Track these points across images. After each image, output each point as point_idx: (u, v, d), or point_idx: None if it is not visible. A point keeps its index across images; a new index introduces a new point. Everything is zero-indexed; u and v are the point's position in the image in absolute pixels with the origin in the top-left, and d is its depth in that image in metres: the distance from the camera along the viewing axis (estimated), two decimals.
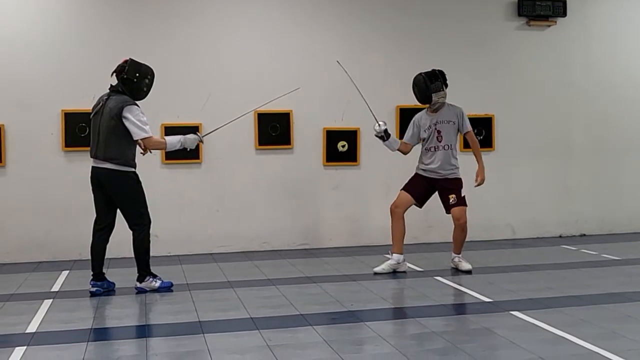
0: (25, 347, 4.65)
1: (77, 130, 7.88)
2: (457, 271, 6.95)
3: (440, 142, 6.86)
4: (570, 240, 8.94)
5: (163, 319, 5.42)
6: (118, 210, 6.24)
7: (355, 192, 8.68)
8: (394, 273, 6.89)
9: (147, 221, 6.22)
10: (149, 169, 8.00)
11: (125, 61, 6.16)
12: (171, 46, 8.16)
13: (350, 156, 8.62)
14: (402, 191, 7.00)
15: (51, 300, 5.99)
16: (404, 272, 6.92)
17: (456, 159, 6.92)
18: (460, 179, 6.92)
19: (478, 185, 7.00)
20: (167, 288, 6.31)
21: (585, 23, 9.29)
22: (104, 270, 6.29)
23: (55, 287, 6.53)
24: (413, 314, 5.34)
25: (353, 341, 4.76)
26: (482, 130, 8.90)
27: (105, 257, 6.28)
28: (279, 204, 8.46)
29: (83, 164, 7.85)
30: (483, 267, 7.13)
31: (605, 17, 9.38)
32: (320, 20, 8.58)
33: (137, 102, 6.14)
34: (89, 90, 7.88)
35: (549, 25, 9.14)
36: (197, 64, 8.24)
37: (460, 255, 7.01)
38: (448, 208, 6.89)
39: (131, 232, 6.21)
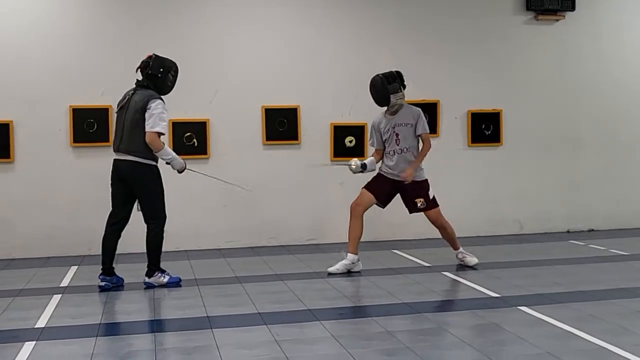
0: (34, 342, 4.67)
1: (85, 126, 7.90)
2: (463, 267, 6.94)
3: (398, 145, 6.68)
4: (578, 236, 8.92)
5: (171, 314, 5.44)
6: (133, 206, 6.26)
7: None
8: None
9: (163, 216, 6.25)
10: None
11: (150, 57, 6.21)
12: (178, 42, 8.16)
13: (358, 151, 8.61)
14: (364, 189, 6.82)
15: (60, 295, 6.03)
16: (358, 272, 6.79)
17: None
18: (425, 180, 6.73)
19: (402, 179, 6.63)
20: (175, 283, 6.33)
21: (594, 17, 9.24)
22: (114, 265, 6.32)
23: (64, 282, 6.56)
24: (420, 309, 5.34)
25: (361, 336, 4.76)
26: (490, 126, 8.88)
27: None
28: (286, 199, 8.47)
29: (91, 160, 7.94)
30: (490, 262, 7.12)
31: (614, 11, 9.32)
32: (327, 14, 8.56)
33: (162, 97, 6.18)
34: (96, 87, 7.94)
35: (558, 20, 9.10)
36: (204, 59, 8.25)
37: (461, 250, 6.97)
38: (413, 210, 6.77)
39: (146, 226, 6.23)
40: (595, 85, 9.28)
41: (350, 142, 8.57)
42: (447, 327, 4.87)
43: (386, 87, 6.63)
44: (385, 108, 6.81)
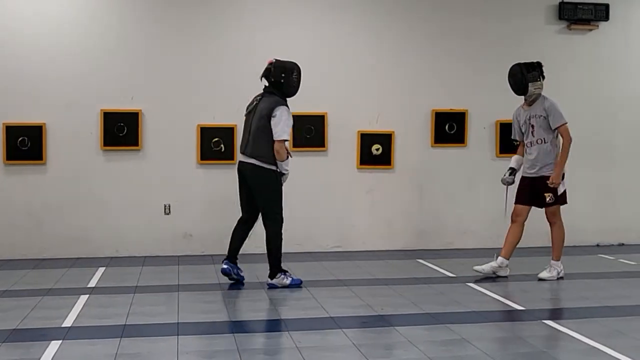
0: (60, 341, 4.75)
1: (116, 129, 8.00)
2: (490, 278, 6.85)
3: (534, 136, 6.72)
4: (608, 250, 8.78)
5: (194, 317, 5.48)
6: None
7: (389, 196, 8.65)
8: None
9: (280, 220, 6.39)
10: (184, 168, 8.12)
11: (271, 63, 6.41)
12: (207, 47, 8.24)
13: (385, 159, 8.59)
14: (515, 204, 6.91)
15: (87, 295, 6.11)
16: (505, 277, 6.85)
17: (554, 154, 6.68)
18: None
19: (549, 184, 6.64)
20: (297, 285, 6.42)
21: (629, 27, 9.11)
22: (238, 258, 6.51)
23: (92, 283, 6.65)
24: (444, 320, 5.30)
25: (382, 345, 4.75)
26: None
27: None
28: (312, 206, 8.47)
29: (121, 163, 8.06)
30: (517, 275, 7.02)
31: None
32: (356, 22, 8.56)
33: (288, 101, 6.39)
34: (127, 91, 8.05)
35: (591, 30, 8.99)
36: (233, 64, 8.30)
37: (555, 264, 6.85)
38: (542, 205, 6.76)
39: (264, 228, 6.41)
40: (629, 95, 9.13)
41: (377, 150, 8.55)
42: (471, 339, 4.82)
43: (525, 75, 6.69)
44: (523, 99, 6.85)
